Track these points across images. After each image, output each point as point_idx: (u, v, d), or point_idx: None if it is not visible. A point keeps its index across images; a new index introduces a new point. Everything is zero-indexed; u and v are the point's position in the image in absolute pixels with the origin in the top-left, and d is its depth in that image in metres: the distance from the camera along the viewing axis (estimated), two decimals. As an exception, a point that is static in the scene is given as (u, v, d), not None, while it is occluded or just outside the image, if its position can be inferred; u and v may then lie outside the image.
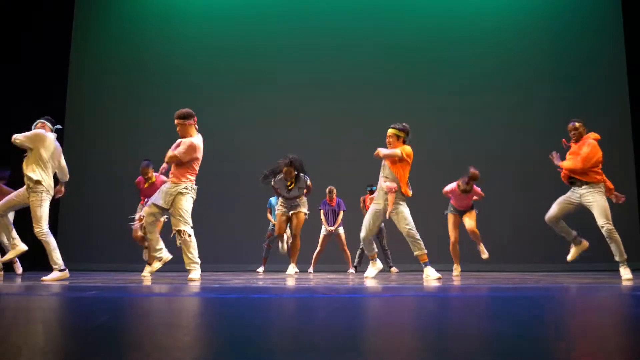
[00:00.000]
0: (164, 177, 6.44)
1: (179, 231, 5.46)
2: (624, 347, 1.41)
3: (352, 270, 8.81)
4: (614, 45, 10.68)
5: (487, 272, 8.27)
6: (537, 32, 10.80)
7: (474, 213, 7.22)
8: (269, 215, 9.13)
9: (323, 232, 8.86)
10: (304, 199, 6.78)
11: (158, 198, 5.54)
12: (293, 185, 7.24)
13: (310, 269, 8.86)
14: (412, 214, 5.75)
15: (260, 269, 8.99)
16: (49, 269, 5.38)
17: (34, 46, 10.39)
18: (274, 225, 9.02)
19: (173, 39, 11.03)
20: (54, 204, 10.13)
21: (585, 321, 2.06)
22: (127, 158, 10.36)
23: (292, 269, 7.52)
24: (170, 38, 11.03)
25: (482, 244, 7.24)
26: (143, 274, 6.19)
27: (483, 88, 10.61)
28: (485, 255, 7.18)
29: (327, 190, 8.82)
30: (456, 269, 7.37)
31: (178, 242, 5.50)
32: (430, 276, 5.56)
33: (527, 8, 10.92)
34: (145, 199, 6.83)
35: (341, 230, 8.84)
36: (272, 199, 9.18)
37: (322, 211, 8.86)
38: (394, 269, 8.81)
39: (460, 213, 7.25)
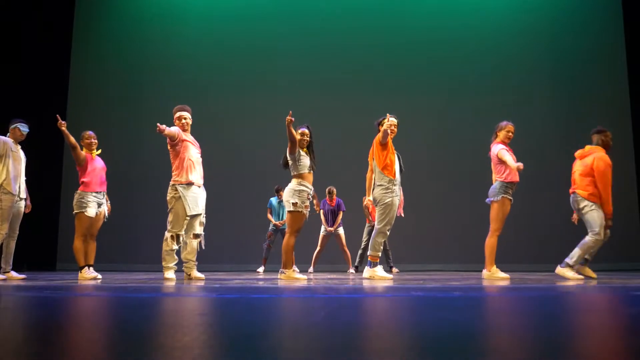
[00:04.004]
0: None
1: (198, 235, 5.61)
2: (626, 347, 1.41)
3: (352, 270, 8.80)
4: (614, 44, 10.68)
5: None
6: (537, 31, 10.80)
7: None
8: (269, 215, 9.12)
9: (322, 232, 8.87)
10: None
11: (198, 207, 5.58)
12: (309, 154, 5.65)
13: (311, 269, 8.86)
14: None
15: (260, 269, 8.99)
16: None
17: (34, 46, 10.39)
18: (274, 225, 9.02)
19: (174, 38, 11.02)
20: (55, 204, 10.18)
21: (588, 321, 2.06)
22: (127, 157, 10.38)
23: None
24: (171, 38, 11.02)
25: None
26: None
27: (483, 87, 10.61)
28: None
29: (327, 190, 8.82)
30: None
31: (202, 244, 5.61)
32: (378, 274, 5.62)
33: (527, 8, 10.91)
34: (98, 189, 5.96)
35: (341, 231, 8.85)
36: (273, 199, 9.18)
37: (321, 211, 8.86)
38: (394, 269, 8.80)
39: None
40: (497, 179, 5.88)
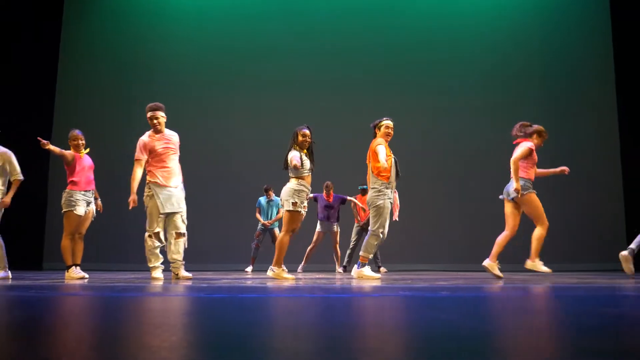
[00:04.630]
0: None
1: (182, 234, 5.49)
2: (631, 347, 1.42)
3: (340, 269, 8.80)
4: (602, 45, 10.80)
5: (484, 272, 8.28)
6: (527, 33, 10.89)
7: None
8: (257, 215, 9.10)
9: (318, 229, 8.80)
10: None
11: (178, 206, 5.44)
12: (309, 155, 5.60)
13: (301, 266, 8.83)
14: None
15: (249, 269, 8.97)
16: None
17: (22, 45, 10.29)
18: (262, 224, 9.00)
19: (165, 37, 10.95)
20: (41, 203, 10.08)
21: (584, 320, 2.07)
22: (118, 157, 10.29)
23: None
24: (162, 36, 10.94)
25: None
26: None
27: (474, 88, 10.67)
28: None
29: (324, 185, 8.72)
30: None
31: (184, 244, 5.54)
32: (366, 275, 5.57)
33: (518, 9, 10.99)
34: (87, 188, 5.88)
35: (336, 228, 8.78)
36: (262, 199, 9.16)
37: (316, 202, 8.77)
38: (382, 269, 8.81)
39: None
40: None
